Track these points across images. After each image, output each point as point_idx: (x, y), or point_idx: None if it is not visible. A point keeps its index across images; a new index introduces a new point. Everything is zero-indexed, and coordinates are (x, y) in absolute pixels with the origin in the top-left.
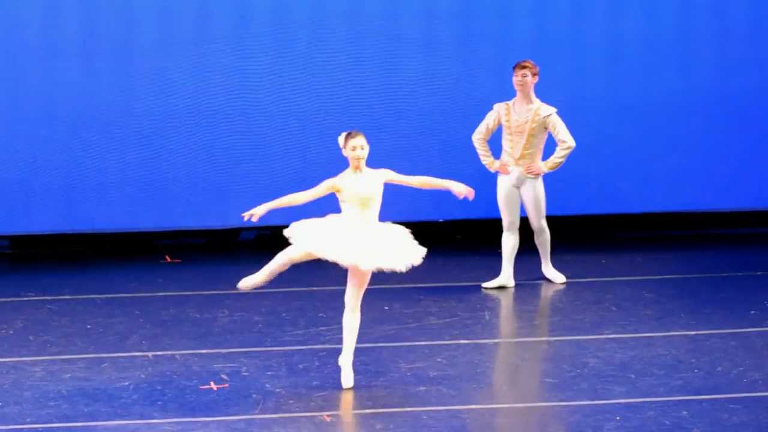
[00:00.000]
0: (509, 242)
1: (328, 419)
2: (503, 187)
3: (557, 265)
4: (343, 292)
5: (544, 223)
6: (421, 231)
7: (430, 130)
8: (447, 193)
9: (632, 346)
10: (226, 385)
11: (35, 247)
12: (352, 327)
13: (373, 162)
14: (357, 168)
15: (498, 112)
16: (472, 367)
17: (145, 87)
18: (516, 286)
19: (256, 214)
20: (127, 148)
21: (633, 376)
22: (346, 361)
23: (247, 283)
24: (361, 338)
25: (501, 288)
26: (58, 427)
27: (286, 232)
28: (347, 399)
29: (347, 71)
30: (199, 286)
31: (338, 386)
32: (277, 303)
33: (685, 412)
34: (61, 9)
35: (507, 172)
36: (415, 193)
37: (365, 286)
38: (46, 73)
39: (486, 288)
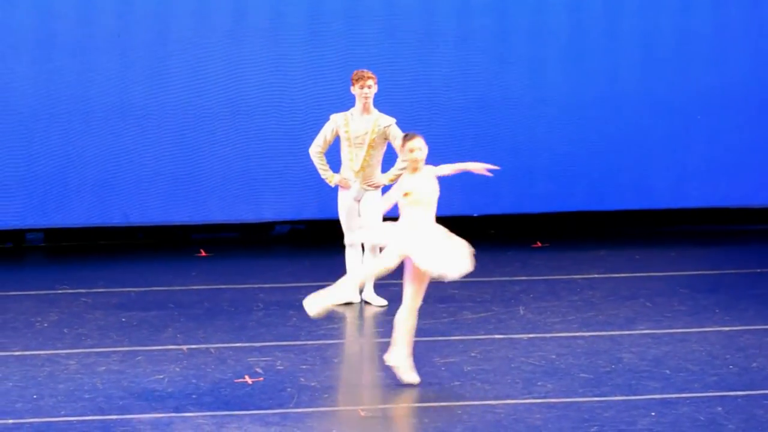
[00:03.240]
0: (353, 258)
1: (362, 414)
2: (344, 201)
3: (591, 260)
4: (376, 286)
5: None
6: (455, 225)
7: (463, 124)
8: (481, 189)
9: (667, 342)
10: (261, 378)
11: (70, 240)
12: (409, 327)
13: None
14: (415, 169)
15: (336, 123)
16: (506, 362)
17: (180, 81)
18: (549, 281)
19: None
20: (162, 142)
21: (668, 371)
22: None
23: (318, 307)
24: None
25: (348, 304)
26: (92, 420)
27: (363, 239)
28: (382, 393)
29: (382, 66)
30: (233, 279)
31: (372, 380)
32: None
33: (720, 408)
34: (95, 3)
35: (348, 187)
36: (449, 188)
37: (420, 287)
38: (81, 67)
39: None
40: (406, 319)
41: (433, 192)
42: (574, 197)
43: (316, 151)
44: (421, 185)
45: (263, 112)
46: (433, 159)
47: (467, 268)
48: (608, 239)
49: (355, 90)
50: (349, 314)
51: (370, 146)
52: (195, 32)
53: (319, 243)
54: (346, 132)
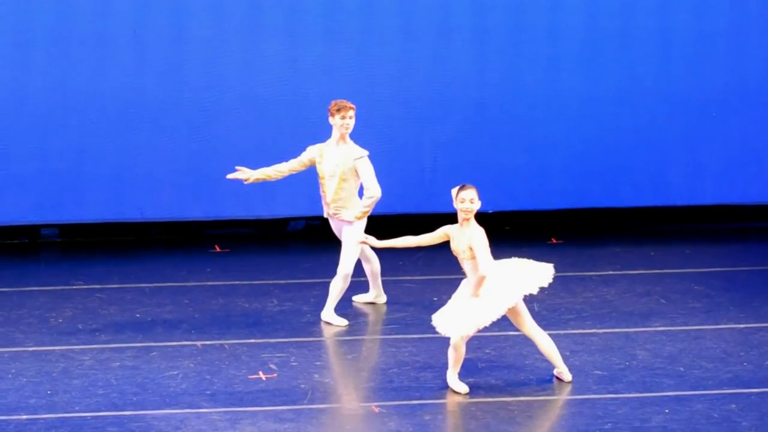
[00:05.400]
0: (367, 268)
1: (376, 410)
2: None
3: (606, 257)
4: (391, 283)
5: (346, 269)
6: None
7: (479, 121)
8: (496, 185)
9: (681, 339)
10: (275, 375)
11: (85, 235)
12: (549, 348)
13: (419, 152)
14: (465, 221)
15: (311, 153)
16: (520, 359)
17: (195, 77)
18: (564, 278)
19: (368, 242)
20: (177, 137)
21: (682, 368)
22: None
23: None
24: (409, 329)
25: (372, 303)
26: (106, 416)
27: (437, 328)
28: (396, 390)
29: (397, 63)
30: (248, 275)
31: (386, 377)
32: (326, 293)
33: (734, 406)
34: None
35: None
36: (462, 183)
37: (526, 316)
38: (97, 63)
39: (356, 301)
40: (542, 345)
41: (463, 247)
42: (589, 194)
43: (283, 166)
44: (457, 239)
45: (278, 108)
46: (447, 155)
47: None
48: (623, 236)
49: (334, 121)
50: (363, 312)
51: (341, 179)
52: (210, 28)
53: (334, 239)
54: (320, 164)
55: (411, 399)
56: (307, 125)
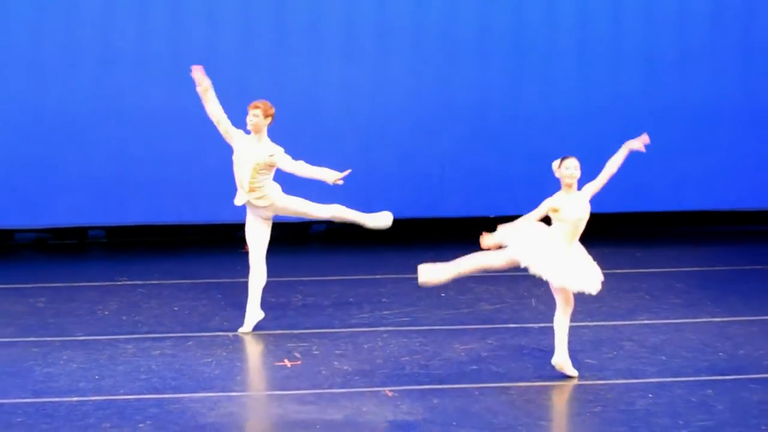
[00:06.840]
0: (253, 281)
1: (390, 394)
2: (249, 218)
3: (597, 257)
4: (404, 280)
5: (261, 259)
6: (473, 226)
7: (482, 134)
8: (497, 191)
9: (663, 331)
10: (299, 362)
11: (128, 236)
12: (563, 327)
13: (429, 161)
14: (569, 186)
15: (234, 132)
16: (519, 348)
17: (227, 88)
18: None
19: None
20: (211, 148)
21: (664, 357)
22: (562, 358)
23: (429, 277)
24: (419, 321)
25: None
26: (148, 399)
27: (498, 235)
28: (407, 376)
29: (407, 80)
30: (274, 273)
31: (399, 365)
32: (345, 289)
33: (710, 391)
34: (151, 18)
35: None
36: (468, 189)
37: (572, 303)
38: (137, 72)
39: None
40: (559, 324)
41: (583, 215)
42: None
43: (221, 108)
44: (571, 205)
45: (300, 120)
46: (453, 164)
47: (591, 286)
48: (611, 238)
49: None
50: (378, 306)
51: (254, 170)
52: (240, 46)
53: (352, 240)
54: (236, 151)
55: (421, 384)
56: (326, 136)
